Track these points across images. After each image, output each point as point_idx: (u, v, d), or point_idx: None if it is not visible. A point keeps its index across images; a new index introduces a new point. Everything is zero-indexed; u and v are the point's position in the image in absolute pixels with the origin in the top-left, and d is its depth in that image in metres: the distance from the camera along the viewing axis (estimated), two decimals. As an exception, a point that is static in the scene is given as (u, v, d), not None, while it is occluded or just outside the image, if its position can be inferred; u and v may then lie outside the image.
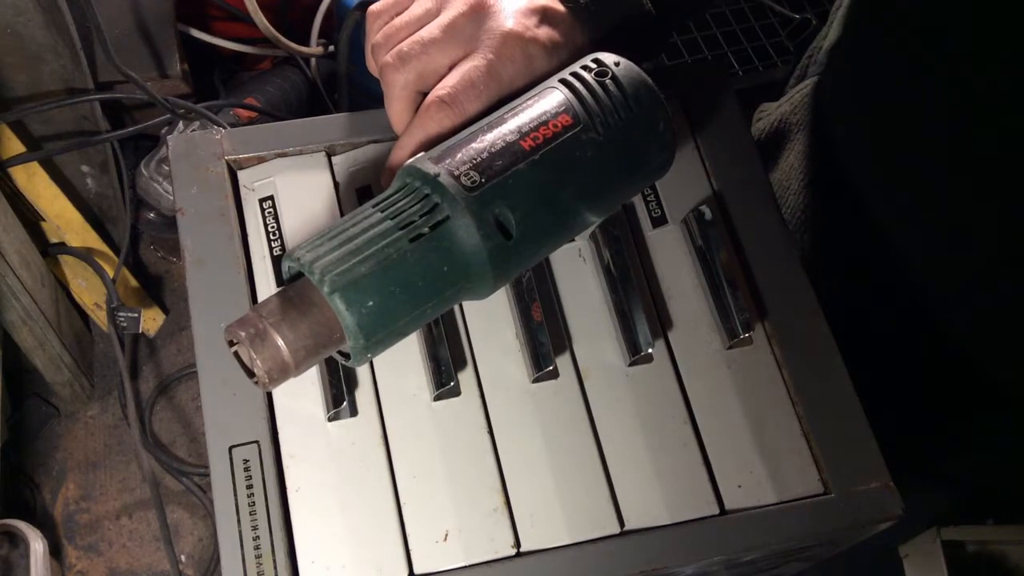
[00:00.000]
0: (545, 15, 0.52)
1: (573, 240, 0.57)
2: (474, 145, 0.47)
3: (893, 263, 0.65)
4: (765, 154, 0.77)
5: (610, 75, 0.49)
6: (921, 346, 0.67)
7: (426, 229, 0.45)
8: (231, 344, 0.44)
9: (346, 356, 0.46)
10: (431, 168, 0.46)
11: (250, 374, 0.44)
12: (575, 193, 0.48)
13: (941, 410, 0.69)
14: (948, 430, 0.70)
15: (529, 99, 0.49)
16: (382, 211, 0.45)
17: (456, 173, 0.45)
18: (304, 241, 0.45)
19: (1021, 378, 0.62)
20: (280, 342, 0.43)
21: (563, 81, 0.49)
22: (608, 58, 0.50)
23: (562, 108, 0.48)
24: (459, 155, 0.46)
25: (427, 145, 0.49)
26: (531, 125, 0.47)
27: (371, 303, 0.43)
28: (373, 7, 0.55)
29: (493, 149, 0.46)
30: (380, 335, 0.44)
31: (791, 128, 0.75)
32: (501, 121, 0.48)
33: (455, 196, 0.45)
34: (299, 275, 0.45)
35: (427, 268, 0.45)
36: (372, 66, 0.55)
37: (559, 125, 0.47)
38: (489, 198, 0.45)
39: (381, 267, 0.44)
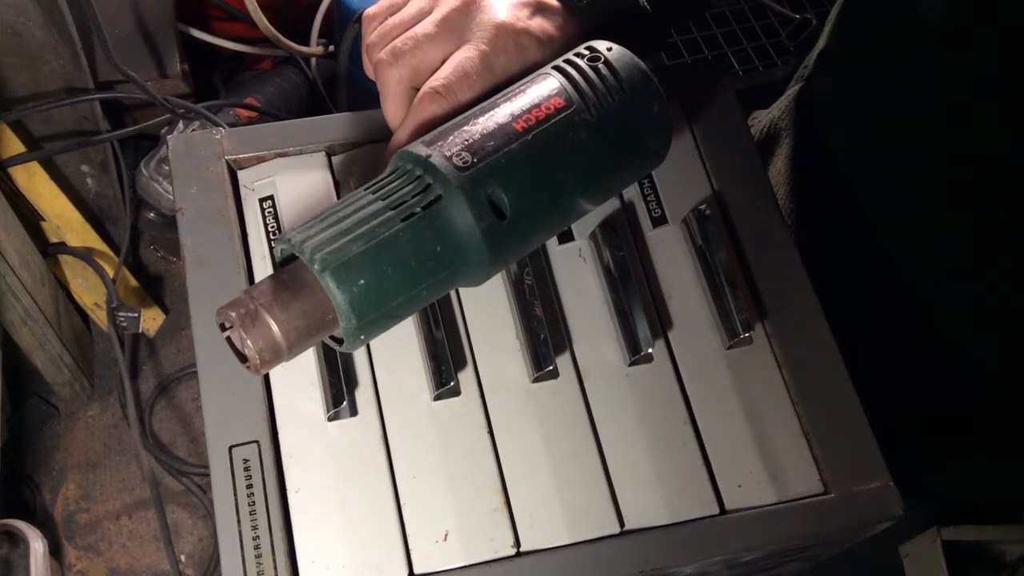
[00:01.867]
0: (538, 7, 0.52)
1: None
2: (466, 128, 0.47)
3: (881, 263, 0.65)
4: None
5: (603, 60, 0.49)
6: (915, 346, 0.67)
7: (418, 209, 0.44)
8: (223, 328, 0.44)
9: (339, 342, 0.46)
10: (423, 150, 0.46)
11: (242, 358, 0.44)
12: (569, 175, 0.48)
13: (937, 411, 0.69)
14: (945, 432, 0.70)
15: (522, 85, 0.49)
16: (374, 193, 0.45)
17: (448, 154, 0.45)
18: (296, 224, 0.45)
19: (1010, 377, 0.62)
20: (271, 322, 0.42)
21: (556, 67, 0.50)
22: (601, 44, 0.50)
23: (555, 92, 0.48)
24: (451, 137, 0.46)
25: (421, 135, 0.50)
26: (524, 108, 0.47)
27: (363, 282, 0.43)
28: (369, 10, 0.56)
29: (485, 131, 0.46)
30: (372, 315, 0.44)
31: (779, 134, 0.76)
32: (494, 105, 0.48)
33: (447, 176, 0.45)
34: (291, 258, 0.45)
35: (420, 248, 0.44)
36: (368, 67, 0.55)
37: (552, 108, 0.48)
38: (482, 178, 0.45)
39: (373, 246, 0.43)
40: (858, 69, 0.66)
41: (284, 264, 0.46)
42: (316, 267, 0.43)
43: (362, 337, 0.45)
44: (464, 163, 0.45)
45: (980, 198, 0.57)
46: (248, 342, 0.42)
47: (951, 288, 0.62)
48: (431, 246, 0.44)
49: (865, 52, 0.65)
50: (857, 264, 0.69)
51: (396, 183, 0.46)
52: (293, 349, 0.44)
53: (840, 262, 0.69)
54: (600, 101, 0.48)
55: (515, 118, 0.47)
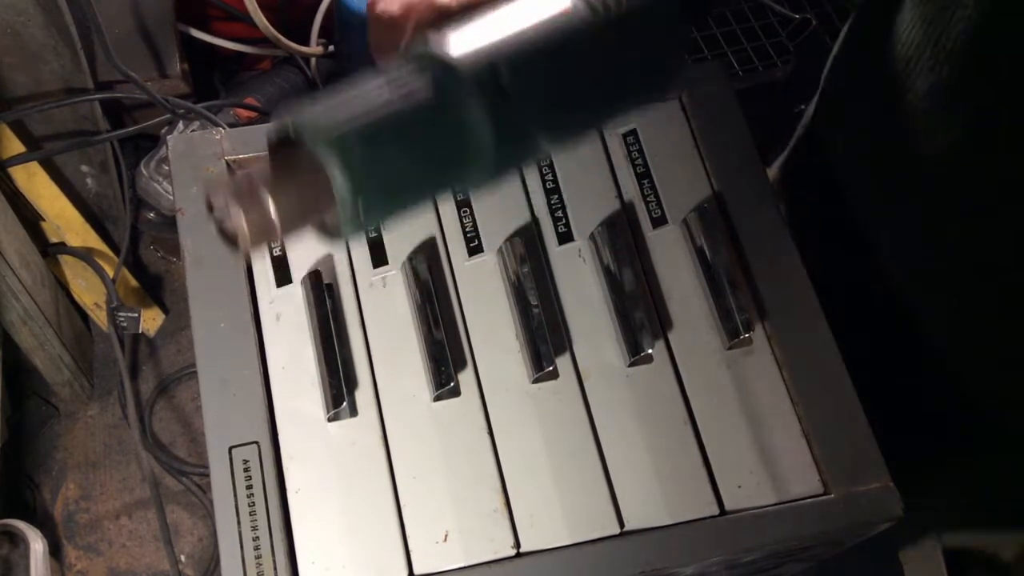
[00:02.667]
0: None
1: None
2: (470, 22, 0.47)
3: (880, 271, 0.65)
4: None
5: None
6: (916, 346, 0.67)
7: (419, 87, 0.44)
8: (211, 208, 0.42)
9: (335, 231, 0.45)
10: (425, 39, 0.46)
11: (231, 241, 0.42)
12: (573, 68, 0.48)
13: (937, 413, 0.69)
14: (945, 434, 0.70)
15: None
16: (375, 77, 0.45)
17: (452, 42, 0.45)
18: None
19: (1010, 378, 0.62)
20: (265, 195, 0.41)
21: None
22: None
23: None
24: (455, 28, 0.46)
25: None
26: (529, 5, 0.48)
27: (360, 155, 0.42)
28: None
29: (489, 23, 0.47)
30: (369, 193, 0.43)
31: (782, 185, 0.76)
32: (498, 5, 0.48)
33: (449, 60, 0.44)
34: (288, 142, 0.44)
35: (420, 126, 0.44)
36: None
37: (558, 7, 0.48)
38: (484, 61, 0.45)
39: (371, 122, 0.43)
40: (859, 104, 0.66)
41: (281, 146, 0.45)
42: (311, 139, 0.42)
43: (360, 217, 0.43)
44: (467, 49, 0.45)
45: (977, 209, 0.57)
46: (241, 216, 0.41)
47: (951, 290, 0.62)
48: (432, 126, 0.44)
49: (866, 87, 0.64)
50: (858, 271, 0.69)
51: (398, 69, 0.46)
52: (286, 227, 0.42)
53: (842, 272, 0.69)
54: (607, 2, 0.48)
55: (520, 12, 0.47)
